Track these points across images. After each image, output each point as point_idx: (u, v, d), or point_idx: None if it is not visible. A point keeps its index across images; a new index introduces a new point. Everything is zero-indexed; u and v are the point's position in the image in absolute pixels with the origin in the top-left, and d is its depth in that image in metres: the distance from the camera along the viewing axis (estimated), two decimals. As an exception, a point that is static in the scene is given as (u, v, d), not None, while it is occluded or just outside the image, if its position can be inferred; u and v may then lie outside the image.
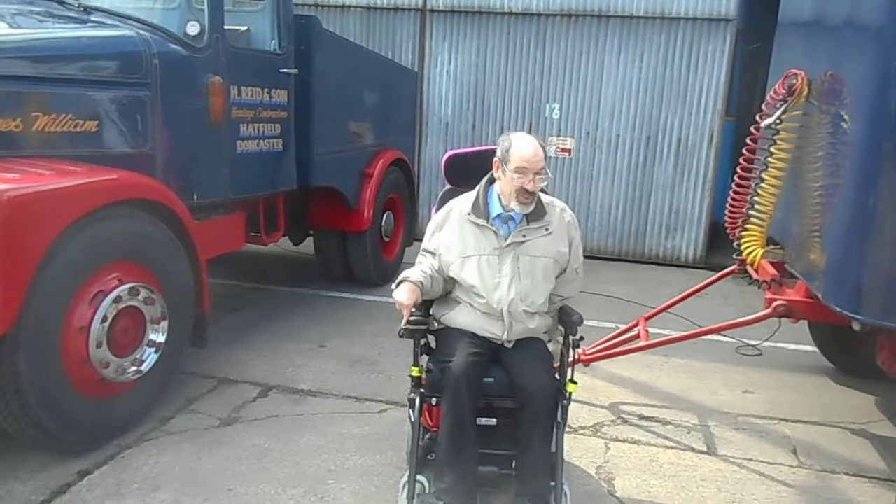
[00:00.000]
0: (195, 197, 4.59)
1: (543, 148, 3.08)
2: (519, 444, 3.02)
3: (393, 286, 3.12)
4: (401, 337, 3.07)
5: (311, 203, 6.39)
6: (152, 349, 3.93)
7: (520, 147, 3.05)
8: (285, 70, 5.35)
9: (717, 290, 6.09)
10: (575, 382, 3.12)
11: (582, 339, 3.16)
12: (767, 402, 4.82)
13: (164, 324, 3.96)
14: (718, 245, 8.66)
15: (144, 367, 3.88)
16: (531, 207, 3.09)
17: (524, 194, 3.04)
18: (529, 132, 3.17)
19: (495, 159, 3.15)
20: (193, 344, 4.36)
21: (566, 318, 3.19)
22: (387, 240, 7.15)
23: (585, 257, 3.42)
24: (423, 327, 3.12)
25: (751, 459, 4.02)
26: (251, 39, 5.34)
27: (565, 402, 3.10)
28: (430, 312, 3.31)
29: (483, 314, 3.13)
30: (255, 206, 5.47)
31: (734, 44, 8.32)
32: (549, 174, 3.13)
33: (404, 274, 3.13)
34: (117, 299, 3.64)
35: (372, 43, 9.11)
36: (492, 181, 3.19)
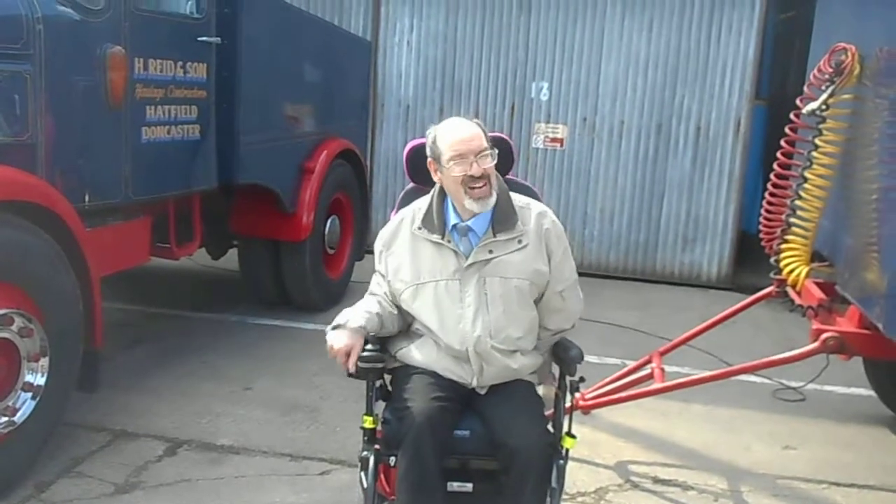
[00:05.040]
0: (87, 198, 4.52)
1: (481, 126, 3.07)
2: (503, 517, 2.99)
3: (328, 329, 3.07)
4: (349, 376, 3.02)
5: (236, 206, 6.37)
6: (29, 394, 3.87)
7: (447, 132, 3.05)
8: (204, 38, 5.32)
9: (747, 317, 6.12)
10: (573, 436, 3.09)
11: (582, 380, 3.13)
12: (813, 460, 4.83)
13: (45, 361, 3.91)
14: (748, 260, 8.74)
15: (18, 418, 3.81)
16: (492, 198, 3.04)
17: (472, 183, 2.99)
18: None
19: (428, 161, 3.13)
20: (82, 388, 4.29)
21: (562, 354, 3.16)
22: (331, 252, 7.13)
23: (582, 275, 3.37)
24: (379, 365, 3.07)
25: (794, 534, 4.04)
26: (161, 0, 5.28)
27: (561, 461, 3.07)
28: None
29: (448, 353, 3.09)
30: (163, 211, 5.42)
31: (765, 12, 8.43)
32: (495, 151, 3.07)
33: (342, 315, 3.07)
34: (-16, 330, 3.59)
35: (314, 5, 9.09)
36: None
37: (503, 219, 3.08)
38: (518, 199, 3.17)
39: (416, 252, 3.11)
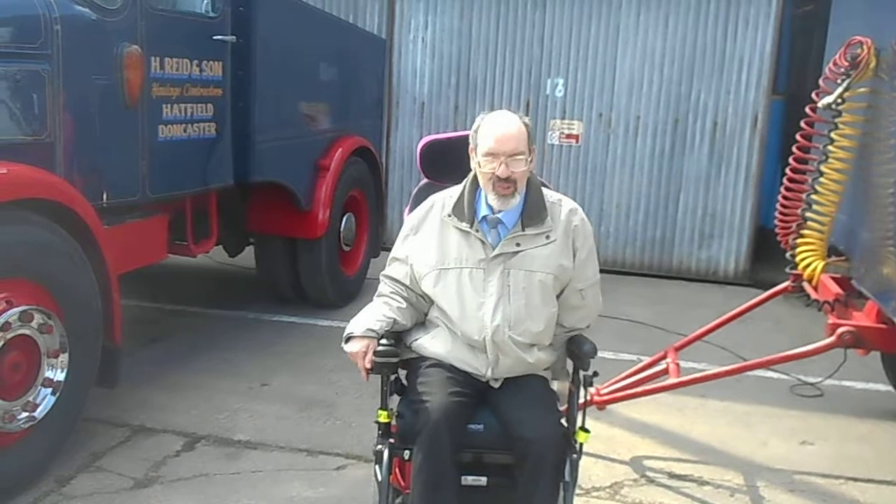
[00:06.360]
0: (105, 197, 4.56)
1: (527, 126, 3.09)
2: (516, 510, 3.01)
3: (342, 344, 3.10)
4: (368, 373, 3.04)
5: (252, 203, 6.40)
6: (49, 390, 3.90)
7: (489, 126, 3.06)
8: (220, 37, 5.35)
9: (766, 313, 6.12)
10: (587, 431, 3.10)
11: (596, 374, 3.14)
12: (831, 456, 4.82)
13: (64, 357, 3.94)
14: (766, 256, 8.69)
15: (39, 413, 3.84)
16: (514, 199, 3.08)
17: (497, 183, 3.03)
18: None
19: (470, 147, 3.16)
20: (101, 383, 4.32)
21: (575, 349, 3.17)
22: (347, 249, 7.16)
23: (599, 271, 3.38)
24: (394, 359, 3.08)
25: (810, 529, 4.04)
26: (177, -1, 5.34)
27: (575, 455, 3.08)
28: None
29: (464, 343, 3.11)
30: (180, 208, 5.45)
31: (782, 5, 8.40)
32: (530, 156, 3.10)
33: (350, 326, 3.09)
34: (5, 326, 3.62)
35: (329, 4, 9.11)
36: None
37: (533, 213, 3.11)
38: (550, 195, 3.21)
39: (444, 238, 3.13)
